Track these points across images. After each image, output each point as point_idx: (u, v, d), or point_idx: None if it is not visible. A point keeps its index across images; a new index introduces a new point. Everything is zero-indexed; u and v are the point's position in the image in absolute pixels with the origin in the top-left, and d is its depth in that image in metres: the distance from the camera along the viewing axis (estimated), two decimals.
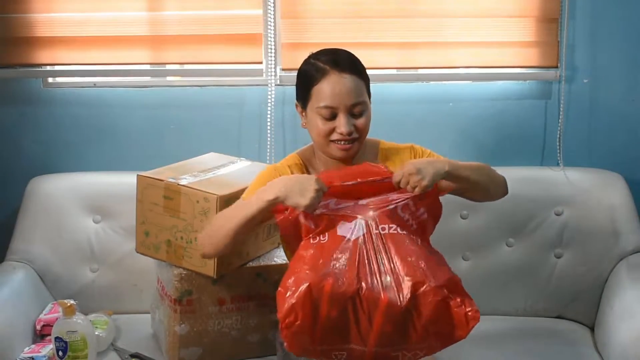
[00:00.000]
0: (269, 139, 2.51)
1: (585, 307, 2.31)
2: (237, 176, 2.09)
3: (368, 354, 1.57)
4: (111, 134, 2.56)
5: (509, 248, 2.38)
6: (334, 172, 1.73)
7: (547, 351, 2.11)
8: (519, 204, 2.32)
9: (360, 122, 1.76)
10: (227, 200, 1.90)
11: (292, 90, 1.87)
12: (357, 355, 1.58)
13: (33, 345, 2.07)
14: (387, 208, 1.64)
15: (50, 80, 2.56)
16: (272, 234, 2.12)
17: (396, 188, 1.67)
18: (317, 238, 1.62)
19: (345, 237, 1.60)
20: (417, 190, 1.64)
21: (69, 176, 2.45)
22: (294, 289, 1.52)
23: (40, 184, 2.42)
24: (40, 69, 2.56)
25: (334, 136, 1.75)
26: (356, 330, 1.55)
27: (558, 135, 2.51)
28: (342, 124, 1.73)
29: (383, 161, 1.86)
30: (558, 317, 2.35)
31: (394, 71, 2.56)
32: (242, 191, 1.89)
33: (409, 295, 1.52)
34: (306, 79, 1.77)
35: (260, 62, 2.51)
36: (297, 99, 1.84)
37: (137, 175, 2.07)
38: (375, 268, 1.56)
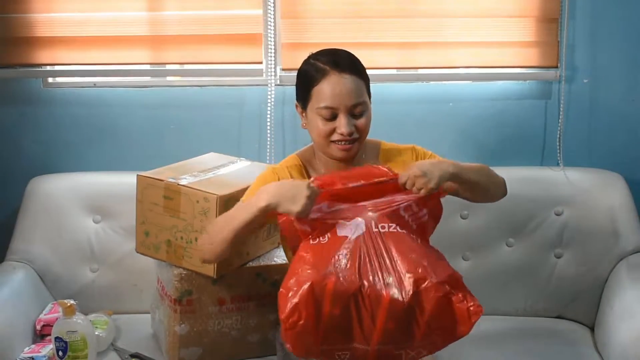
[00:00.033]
0: (268, 139, 2.51)
1: (585, 307, 2.31)
2: (237, 176, 2.09)
3: (371, 353, 1.57)
4: (111, 134, 2.56)
5: (509, 248, 2.38)
6: (337, 174, 1.73)
7: (547, 351, 2.11)
8: (519, 204, 2.32)
9: (360, 122, 1.76)
10: (227, 200, 1.90)
11: (292, 90, 1.87)
12: (360, 354, 1.58)
13: (33, 345, 2.07)
14: (389, 209, 1.64)
15: (50, 80, 2.56)
16: (272, 234, 2.12)
17: (402, 189, 1.67)
18: (317, 239, 1.62)
19: (345, 236, 1.60)
20: (422, 192, 1.64)
21: (69, 176, 2.45)
22: (295, 288, 1.52)
23: (40, 184, 2.42)
24: (40, 69, 2.56)
25: (335, 137, 1.75)
26: (359, 329, 1.55)
27: (558, 135, 2.51)
28: (342, 125, 1.73)
29: (384, 162, 1.86)
30: (558, 317, 2.35)
31: (394, 71, 2.56)
32: (241, 191, 1.89)
33: (411, 292, 1.52)
34: (306, 80, 1.77)
35: (260, 62, 2.51)
36: (297, 100, 1.84)
37: (137, 175, 2.07)
38: (377, 266, 1.56)
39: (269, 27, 2.47)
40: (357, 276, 1.54)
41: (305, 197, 1.60)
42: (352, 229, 1.61)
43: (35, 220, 2.37)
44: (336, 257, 1.57)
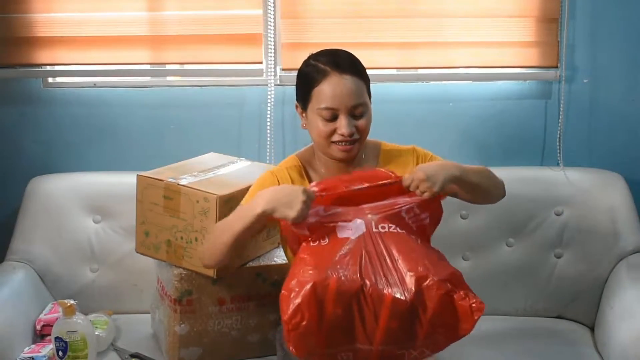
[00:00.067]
0: (268, 139, 2.51)
1: (585, 307, 2.31)
2: (237, 176, 2.09)
3: (374, 353, 1.57)
4: (111, 134, 2.56)
5: (509, 248, 2.38)
6: (340, 177, 1.73)
7: (547, 351, 2.11)
8: (519, 204, 2.32)
9: (361, 123, 1.76)
10: (227, 200, 1.90)
11: (292, 90, 1.87)
12: (363, 355, 1.57)
13: (33, 345, 2.07)
14: (391, 212, 1.64)
15: (50, 80, 2.56)
16: (272, 234, 2.12)
17: (404, 192, 1.67)
18: (317, 241, 1.62)
19: (345, 237, 1.60)
20: (426, 195, 1.65)
21: (69, 176, 2.45)
22: (297, 289, 1.51)
23: (40, 184, 2.42)
24: (40, 69, 2.56)
25: (335, 137, 1.75)
26: (362, 329, 1.55)
27: (558, 135, 2.51)
28: (343, 125, 1.73)
29: (385, 163, 1.86)
30: (558, 317, 2.35)
31: (394, 71, 2.56)
32: (241, 191, 1.89)
33: (413, 290, 1.52)
34: (306, 81, 1.77)
35: (260, 62, 2.51)
36: (297, 100, 1.84)
37: (137, 175, 2.07)
38: (378, 265, 1.56)
39: (269, 27, 2.47)
40: (359, 275, 1.54)
41: (301, 202, 1.59)
42: (353, 230, 1.61)
43: (35, 220, 2.37)
44: (337, 257, 1.56)
